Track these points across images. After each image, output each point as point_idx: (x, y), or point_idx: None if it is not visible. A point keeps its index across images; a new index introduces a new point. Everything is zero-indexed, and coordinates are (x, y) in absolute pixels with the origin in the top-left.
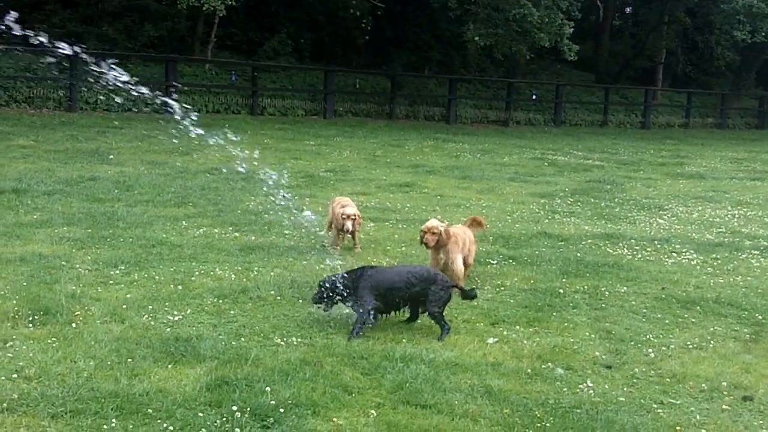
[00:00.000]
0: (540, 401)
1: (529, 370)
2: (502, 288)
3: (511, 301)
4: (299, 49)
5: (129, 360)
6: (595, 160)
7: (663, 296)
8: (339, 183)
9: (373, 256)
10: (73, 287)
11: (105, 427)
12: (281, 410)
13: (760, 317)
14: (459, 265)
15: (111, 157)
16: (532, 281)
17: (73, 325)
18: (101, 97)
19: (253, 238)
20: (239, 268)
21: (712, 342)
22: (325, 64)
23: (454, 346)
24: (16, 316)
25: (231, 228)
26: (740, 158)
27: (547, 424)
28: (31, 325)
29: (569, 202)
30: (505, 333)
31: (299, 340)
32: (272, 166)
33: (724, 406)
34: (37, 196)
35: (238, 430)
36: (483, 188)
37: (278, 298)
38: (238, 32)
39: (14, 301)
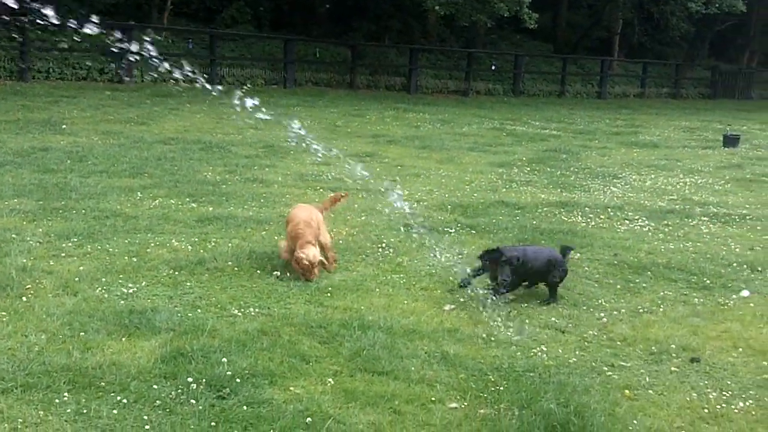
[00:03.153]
0: (495, 366)
1: (485, 336)
2: (460, 256)
3: (469, 269)
4: (258, 17)
5: (81, 333)
6: (552, 129)
7: (615, 262)
8: (299, 153)
9: (333, 226)
10: (24, 260)
11: (57, 401)
12: (237, 380)
13: (708, 282)
14: (314, 251)
15: (64, 127)
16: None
17: (24, 298)
18: (53, 65)
19: (210, 208)
20: (196, 239)
21: (662, 306)
22: (285, 32)
23: (411, 314)
24: None
25: (188, 199)
26: (693, 127)
27: (501, 388)
28: None
29: (526, 171)
30: (462, 300)
31: (257, 310)
32: (232, 136)
33: (672, 368)
34: None
35: (193, 401)
36: (442, 158)
37: (236, 269)
38: None
39: None
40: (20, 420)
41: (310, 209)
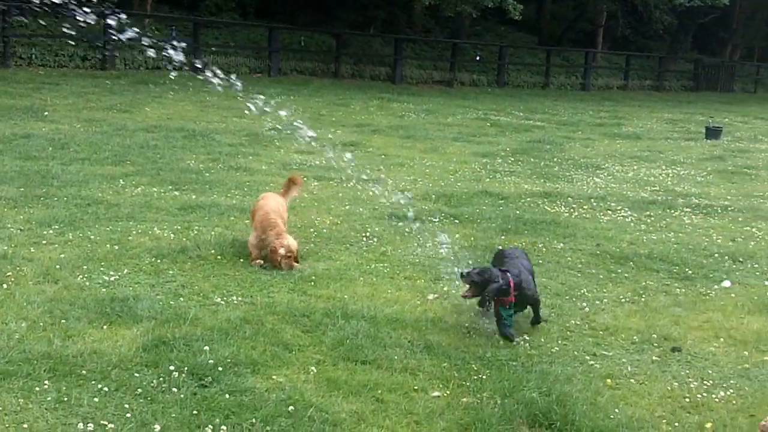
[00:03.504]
0: (477, 355)
1: (467, 325)
2: (444, 245)
3: (452, 258)
4: (243, 4)
5: (62, 321)
6: (536, 120)
7: (598, 252)
8: (283, 142)
9: (317, 216)
10: (5, 247)
11: (37, 388)
12: (220, 369)
13: (690, 272)
14: (292, 240)
15: (46, 114)
16: (472, 238)
17: (4, 286)
18: (35, 52)
19: (193, 197)
20: (179, 227)
21: (643, 296)
22: (270, 21)
23: (395, 303)
24: None
25: (170, 187)
26: (675, 119)
27: (484, 377)
28: None
29: (510, 161)
30: (445, 289)
31: (240, 299)
32: (215, 124)
33: (654, 357)
34: None
35: (175, 389)
36: (426, 148)
37: (219, 257)
38: None
39: None
40: (0, 408)
41: (276, 198)
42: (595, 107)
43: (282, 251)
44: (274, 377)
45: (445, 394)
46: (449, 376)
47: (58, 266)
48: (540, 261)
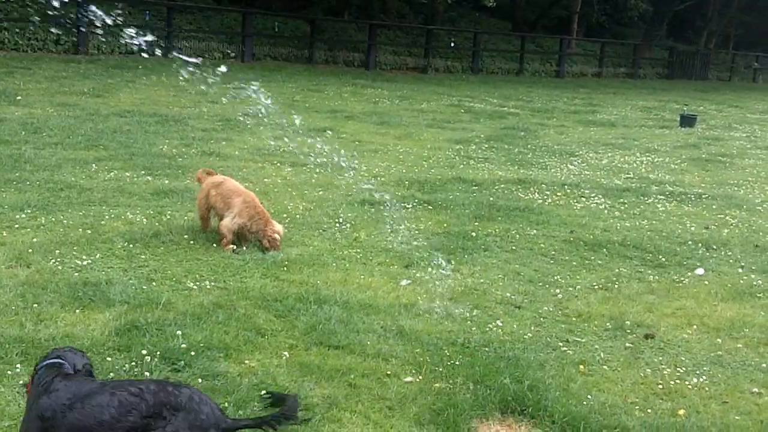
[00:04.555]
0: (450, 340)
1: (440, 311)
2: (417, 231)
3: (425, 244)
4: None
5: (35, 305)
6: (510, 107)
7: (571, 239)
8: (256, 127)
9: (290, 201)
10: None
11: (9, 372)
12: (192, 353)
13: (663, 259)
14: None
15: (19, 98)
16: (445, 225)
17: None
18: (7, 36)
19: (166, 181)
20: (151, 212)
21: (617, 283)
22: (244, 5)
23: (368, 288)
24: None
25: (143, 172)
26: (650, 107)
27: (456, 363)
28: None
29: (484, 148)
30: (418, 275)
31: (213, 284)
32: (189, 109)
33: (627, 344)
34: None
35: (147, 373)
36: (401, 134)
37: (192, 242)
38: None
39: None
40: None
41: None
42: (570, 94)
43: (278, 237)
44: (246, 362)
45: (417, 380)
46: (422, 361)
47: (30, 250)
48: (514, 248)
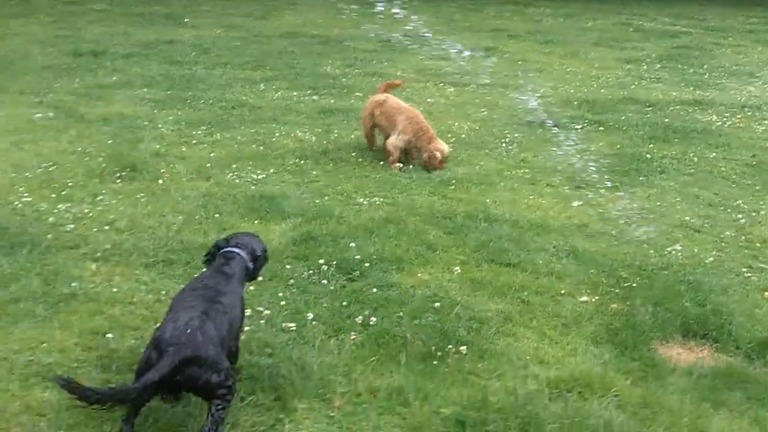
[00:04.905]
0: (626, 263)
1: (614, 233)
2: (587, 152)
3: (596, 165)
4: None
5: (216, 215)
6: (682, 26)
7: (754, 162)
8: (417, 48)
9: (455, 120)
10: (157, 146)
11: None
12: (366, 264)
13: None
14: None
15: (186, 20)
16: (618, 146)
17: (160, 181)
18: None
19: (332, 101)
20: (319, 130)
21: None
22: None
23: (537, 209)
24: (104, 173)
25: (309, 91)
26: None
27: (633, 284)
28: (119, 180)
29: (656, 68)
30: (590, 196)
31: (381, 200)
32: (349, 31)
33: None
34: (116, 59)
35: (324, 281)
36: (566, 53)
37: (359, 159)
38: None
39: (100, 159)
40: (163, 292)
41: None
42: (746, 13)
43: (438, 155)
44: (419, 275)
45: (593, 300)
46: (597, 282)
47: (209, 164)
48: (692, 171)
